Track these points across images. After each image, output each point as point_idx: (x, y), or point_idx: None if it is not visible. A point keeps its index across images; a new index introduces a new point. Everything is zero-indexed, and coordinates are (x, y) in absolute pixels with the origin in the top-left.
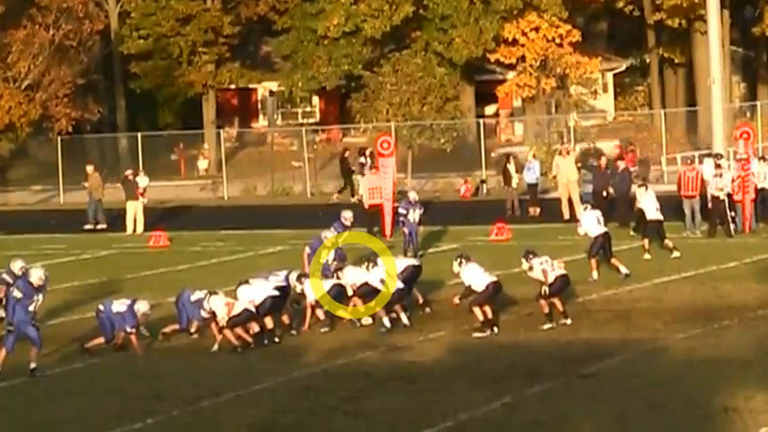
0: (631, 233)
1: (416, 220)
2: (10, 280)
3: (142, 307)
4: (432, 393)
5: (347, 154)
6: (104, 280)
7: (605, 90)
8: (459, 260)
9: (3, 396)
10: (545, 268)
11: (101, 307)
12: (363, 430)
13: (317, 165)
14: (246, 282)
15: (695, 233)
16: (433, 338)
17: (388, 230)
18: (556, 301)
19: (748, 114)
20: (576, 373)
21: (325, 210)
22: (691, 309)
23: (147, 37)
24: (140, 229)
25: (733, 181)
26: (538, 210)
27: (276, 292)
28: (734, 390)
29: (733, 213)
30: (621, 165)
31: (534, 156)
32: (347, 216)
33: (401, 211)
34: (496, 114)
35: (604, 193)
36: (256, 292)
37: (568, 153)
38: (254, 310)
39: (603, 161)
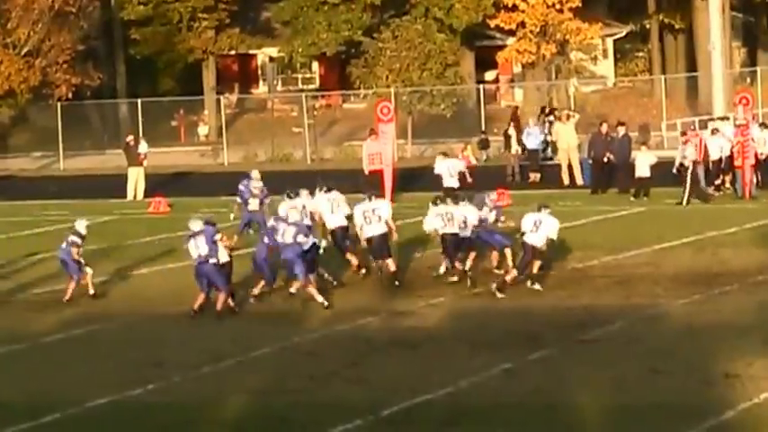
0: (631, 199)
1: None
2: (80, 240)
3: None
4: (432, 359)
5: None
6: (105, 246)
7: (605, 56)
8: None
9: (2, 362)
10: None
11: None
12: (364, 395)
13: (316, 130)
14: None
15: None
16: (433, 304)
17: (387, 197)
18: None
19: (748, 80)
20: (576, 339)
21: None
22: (691, 274)
23: (146, 3)
24: (141, 195)
25: (732, 147)
26: (538, 176)
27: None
28: (734, 355)
29: (730, 178)
30: (621, 131)
31: (536, 122)
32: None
33: None
34: (496, 80)
35: (604, 159)
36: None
37: (568, 119)
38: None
39: (604, 127)
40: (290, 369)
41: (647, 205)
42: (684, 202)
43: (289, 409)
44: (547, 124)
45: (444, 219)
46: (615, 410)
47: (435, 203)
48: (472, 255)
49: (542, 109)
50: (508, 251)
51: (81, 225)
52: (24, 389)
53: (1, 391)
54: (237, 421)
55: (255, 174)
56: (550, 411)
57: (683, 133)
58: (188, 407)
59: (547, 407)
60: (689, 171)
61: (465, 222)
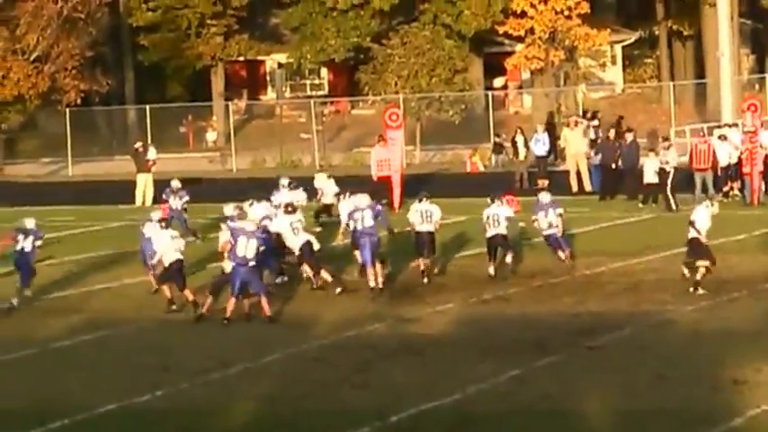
0: (639, 205)
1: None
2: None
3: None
4: (439, 365)
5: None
6: (113, 252)
7: (614, 62)
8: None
9: (11, 367)
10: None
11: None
12: (371, 402)
13: (325, 137)
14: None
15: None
16: (440, 311)
17: (396, 203)
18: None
19: (757, 87)
20: (584, 346)
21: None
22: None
23: (155, 9)
24: (149, 201)
25: (741, 153)
26: (546, 182)
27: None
28: (742, 362)
29: (738, 185)
30: (630, 137)
31: (544, 128)
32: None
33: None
34: (505, 86)
35: (613, 165)
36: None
37: (576, 125)
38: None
39: (611, 133)
40: (298, 375)
41: (656, 212)
42: (675, 208)
43: (296, 415)
44: (591, 129)
45: (423, 216)
46: (623, 417)
47: (419, 201)
48: (510, 255)
49: (584, 113)
50: (562, 254)
51: (156, 216)
52: (33, 394)
53: (10, 396)
54: (245, 427)
55: (175, 182)
56: (558, 418)
57: (665, 139)
58: (196, 413)
59: (554, 413)
60: (669, 177)
61: (498, 221)
